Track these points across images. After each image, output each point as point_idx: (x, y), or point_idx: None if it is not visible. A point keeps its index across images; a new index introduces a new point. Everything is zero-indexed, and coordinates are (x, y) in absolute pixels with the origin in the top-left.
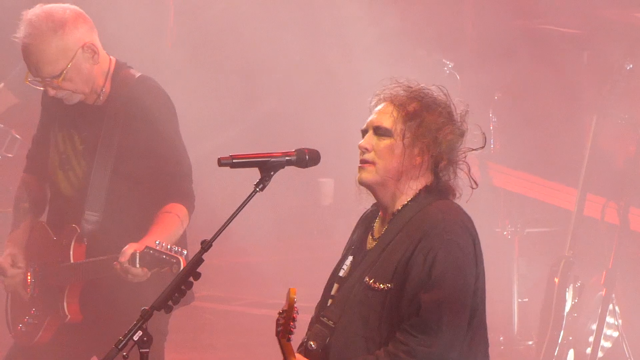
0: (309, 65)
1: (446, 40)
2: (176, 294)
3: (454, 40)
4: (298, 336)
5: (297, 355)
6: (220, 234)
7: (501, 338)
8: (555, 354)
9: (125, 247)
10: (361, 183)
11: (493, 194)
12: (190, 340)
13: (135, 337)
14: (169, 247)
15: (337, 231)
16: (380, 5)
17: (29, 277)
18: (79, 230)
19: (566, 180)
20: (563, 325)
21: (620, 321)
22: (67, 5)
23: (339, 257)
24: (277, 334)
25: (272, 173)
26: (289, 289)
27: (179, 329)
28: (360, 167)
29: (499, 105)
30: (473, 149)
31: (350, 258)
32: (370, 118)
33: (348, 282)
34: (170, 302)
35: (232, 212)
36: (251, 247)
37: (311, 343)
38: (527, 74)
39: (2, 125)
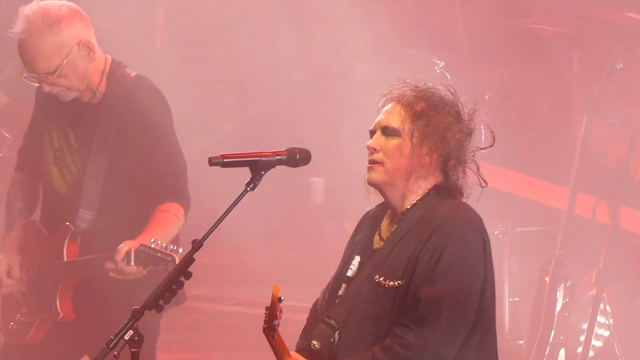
0: (301, 64)
1: (437, 39)
2: (167, 294)
3: (445, 40)
4: (290, 335)
5: (293, 353)
6: (212, 234)
7: None
8: (546, 353)
9: (121, 245)
10: (370, 183)
11: (484, 193)
12: (182, 340)
13: (126, 337)
14: (164, 245)
15: (328, 230)
16: (372, 5)
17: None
18: (72, 229)
19: (557, 179)
20: (554, 325)
21: (611, 320)
22: (63, 1)
23: (331, 255)
24: (263, 330)
25: (263, 172)
26: (273, 286)
27: (171, 329)
28: (369, 168)
29: (490, 104)
30: (481, 148)
31: (357, 258)
32: (378, 118)
33: (356, 281)
34: (161, 302)
35: (224, 211)
36: (242, 246)
37: (314, 343)
38: (518, 73)
39: None
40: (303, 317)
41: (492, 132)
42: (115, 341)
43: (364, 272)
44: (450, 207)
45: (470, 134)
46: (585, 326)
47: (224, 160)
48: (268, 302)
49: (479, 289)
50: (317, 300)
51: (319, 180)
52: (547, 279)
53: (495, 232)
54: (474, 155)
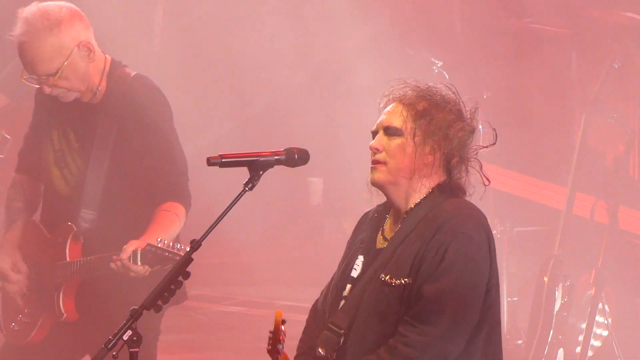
0: (299, 64)
1: (435, 39)
2: (166, 294)
3: (443, 39)
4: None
5: None
6: (210, 233)
7: None
8: (545, 353)
9: (126, 245)
10: (373, 184)
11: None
12: (181, 340)
13: (125, 337)
14: (170, 244)
15: (326, 230)
16: (370, 5)
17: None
18: (75, 229)
19: (555, 179)
20: (552, 324)
21: (609, 320)
22: (63, 3)
23: (330, 255)
24: (268, 352)
25: (261, 172)
26: (276, 311)
27: (170, 329)
28: (372, 168)
29: (488, 104)
30: (484, 146)
31: (360, 258)
32: (380, 119)
33: (362, 281)
34: (159, 302)
35: (222, 211)
36: (241, 246)
37: (320, 350)
38: (516, 73)
39: None
40: (302, 317)
41: (494, 129)
42: (113, 341)
43: (369, 272)
44: (454, 205)
45: (472, 132)
46: (584, 326)
47: (222, 160)
48: (266, 301)
49: (484, 286)
50: (317, 301)
51: (318, 180)
52: (545, 279)
53: (494, 232)
54: (476, 154)
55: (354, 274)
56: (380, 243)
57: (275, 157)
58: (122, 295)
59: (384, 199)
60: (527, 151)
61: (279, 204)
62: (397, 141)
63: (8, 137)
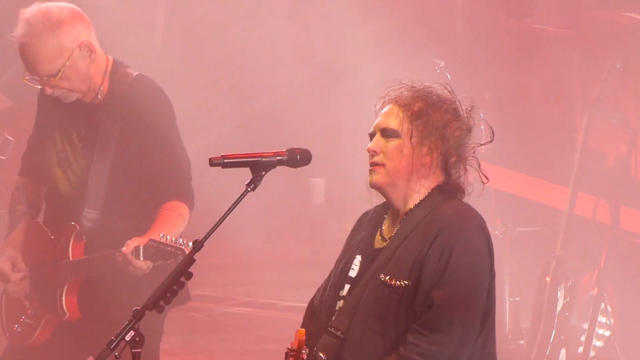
0: (300, 64)
1: (437, 39)
2: (168, 294)
3: (444, 40)
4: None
5: None
6: (212, 234)
7: None
8: (547, 353)
9: (129, 241)
10: (372, 186)
11: (484, 193)
12: (184, 340)
13: (127, 337)
14: (173, 239)
15: (328, 230)
16: (371, 5)
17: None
18: (77, 228)
19: (557, 179)
20: (555, 325)
21: (612, 320)
22: (64, 3)
23: (331, 256)
24: None
25: (263, 173)
26: (298, 330)
27: (173, 330)
28: (370, 170)
29: (490, 104)
30: (482, 144)
31: (358, 257)
32: (376, 121)
33: (360, 281)
34: (162, 302)
35: (224, 212)
36: (243, 246)
37: (321, 355)
38: (517, 73)
39: None
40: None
41: (490, 127)
42: (116, 342)
43: (369, 272)
44: (453, 207)
45: (469, 130)
46: (586, 326)
47: (225, 160)
48: (268, 302)
49: (486, 289)
50: (313, 299)
51: (320, 181)
52: (547, 279)
53: (496, 232)
54: (474, 152)
55: (352, 273)
56: (379, 243)
57: (278, 158)
58: (124, 295)
59: (384, 199)
60: (529, 151)
61: (281, 205)
62: (394, 143)
63: (10, 138)
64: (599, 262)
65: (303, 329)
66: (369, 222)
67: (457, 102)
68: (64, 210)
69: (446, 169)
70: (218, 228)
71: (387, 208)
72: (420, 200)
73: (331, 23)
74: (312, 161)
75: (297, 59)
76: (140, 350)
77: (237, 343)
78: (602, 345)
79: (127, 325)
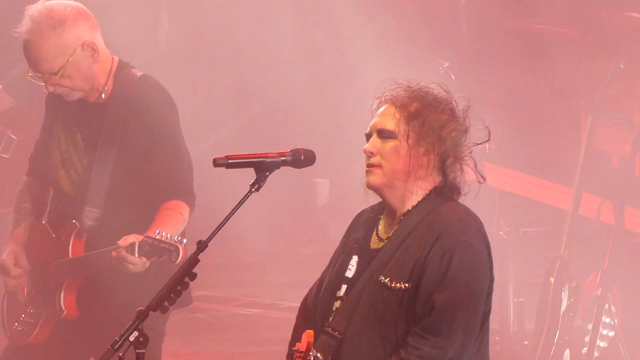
0: (304, 65)
1: (441, 39)
2: (172, 295)
3: (449, 40)
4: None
5: None
6: (216, 234)
7: (497, 338)
8: (551, 353)
9: (126, 237)
10: (369, 187)
11: (488, 193)
12: (187, 341)
13: (131, 338)
14: (168, 236)
15: (332, 231)
16: (375, 5)
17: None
18: (78, 226)
19: (561, 179)
20: (559, 325)
21: (616, 321)
22: (70, 2)
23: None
24: None
25: (267, 173)
26: (306, 331)
27: (175, 330)
28: (367, 171)
29: (494, 105)
30: (478, 143)
31: (355, 258)
32: (373, 121)
33: (359, 282)
34: (166, 303)
35: (228, 212)
36: (247, 247)
37: (318, 355)
38: (521, 73)
39: None
40: None
41: (487, 127)
42: (120, 342)
43: (367, 273)
44: (453, 210)
45: (465, 131)
46: (590, 327)
47: (229, 161)
48: (272, 302)
49: (486, 292)
50: (305, 298)
51: (324, 181)
52: (551, 280)
53: (500, 233)
54: (470, 152)
55: (349, 274)
56: (375, 243)
57: (282, 158)
58: (124, 294)
59: (380, 199)
60: (533, 152)
61: (285, 205)
62: (391, 144)
63: (14, 137)
64: (603, 262)
65: (311, 331)
66: (365, 222)
67: (453, 102)
68: (66, 209)
69: (443, 170)
70: (222, 228)
71: (383, 208)
72: (418, 202)
73: (335, 24)
74: (316, 162)
75: (301, 60)
76: (144, 350)
77: (241, 344)
78: (606, 345)
79: (131, 325)
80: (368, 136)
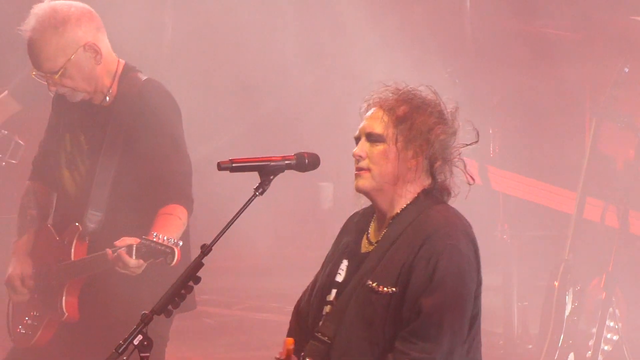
0: (309, 68)
1: (445, 43)
2: (176, 298)
3: (453, 44)
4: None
5: None
6: (220, 238)
7: (501, 342)
8: (556, 357)
9: (124, 237)
10: (358, 191)
11: (492, 197)
12: (190, 346)
13: (136, 342)
14: (165, 238)
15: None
16: (380, 8)
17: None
18: (81, 229)
19: (566, 183)
20: (563, 329)
21: (620, 324)
22: (76, 2)
23: None
24: None
25: (271, 177)
26: (285, 339)
27: (178, 333)
28: (356, 175)
29: (499, 109)
30: (467, 144)
31: (345, 262)
32: (361, 125)
33: (348, 286)
34: (170, 307)
35: (232, 216)
36: (251, 250)
37: None
38: (526, 76)
39: (6, 132)
40: None
41: (476, 128)
42: (124, 346)
43: (355, 277)
44: (440, 213)
45: (454, 133)
46: (594, 330)
47: (233, 165)
48: (276, 306)
49: (473, 295)
50: (298, 303)
51: (328, 185)
52: (556, 283)
53: (504, 237)
54: (459, 154)
55: (339, 278)
56: (365, 247)
57: (286, 162)
58: (126, 297)
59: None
60: (537, 155)
61: (289, 209)
62: (379, 148)
63: (21, 143)
64: (608, 266)
65: (291, 339)
66: (356, 225)
67: (441, 104)
68: (70, 211)
69: (432, 173)
70: (226, 232)
71: (373, 211)
72: (407, 205)
73: (340, 26)
74: (320, 165)
75: (306, 63)
76: (148, 354)
77: (246, 348)
78: (611, 349)
79: (136, 329)
80: (357, 139)
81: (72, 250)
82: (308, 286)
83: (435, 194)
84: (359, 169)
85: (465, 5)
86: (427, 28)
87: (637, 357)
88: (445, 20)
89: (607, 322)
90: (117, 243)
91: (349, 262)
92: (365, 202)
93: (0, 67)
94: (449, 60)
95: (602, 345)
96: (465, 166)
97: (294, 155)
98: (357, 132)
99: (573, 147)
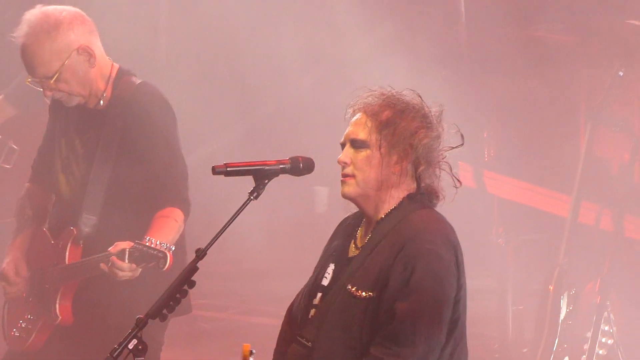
0: (305, 72)
1: (441, 47)
2: (171, 303)
3: (449, 48)
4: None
5: None
6: (215, 242)
7: (496, 346)
8: None
9: (117, 242)
10: (344, 197)
11: (487, 201)
12: (185, 350)
13: (130, 346)
14: (158, 242)
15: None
16: (376, 13)
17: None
18: (75, 233)
19: (561, 187)
20: (558, 333)
21: (615, 329)
22: (67, 7)
23: None
24: None
25: (266, 181)
26: (243, 345)
27: (173, 337)
28: (342, 181)
29: (494, 112)
30: (453, 147)
31: (332, 266)
32: (346, 131)
33: (331, 291)
34: (165, 311)
35: (227, 220)
36: (246, 254)
37: None
38: (521, 80)
39: (0, 137)
40: None
41: (460, 133)
42: (119, 350)
43: (339, 282)
44: (421, 217)
45: (438, 136)
46: (589, 334)
47: (227, 169)
48: (271, 309)
49: (452, 301)
50: (290, 306)
51: (323, 189)
52: (550, 287)
53: (499, 240)
54: (444, 157)
55: (325, 282)
56: (352, 251)
57: (281, 166)
58: (121, 301)
59: None
60: (532, 159)
61: (284, 213)
62: (363, 154)
63: (16, 147)
64: (602, 270)
65: (248, 344)
66: (345, 229)
67: (425, 108)
68: (65, 215)
69: (416, 177)
70: (221, 236)
71: (362, 216)
72: (391, 210)
73: (337, 31)
74: (315, 169)
75: (301, 67)
76: (143, 358)
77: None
78: (606, 353)
79: (131, 333)
80: (343, 145)
81: (67, 253)
82: (301, 290)
83: (421, 199)
84: (344, 175)
85: (460, 10)
86: (422, 33)
87: None
88: (440, 25)
89: (602, 326)
90: (111, 249)
91: (335, 266)
92: (355, 207)
93: (0, 71)
94: (445, 64)
95: (597, 349)
96: (451, 169)
97: (289, 159)
98: (342, 138)
99: (568, 151)
